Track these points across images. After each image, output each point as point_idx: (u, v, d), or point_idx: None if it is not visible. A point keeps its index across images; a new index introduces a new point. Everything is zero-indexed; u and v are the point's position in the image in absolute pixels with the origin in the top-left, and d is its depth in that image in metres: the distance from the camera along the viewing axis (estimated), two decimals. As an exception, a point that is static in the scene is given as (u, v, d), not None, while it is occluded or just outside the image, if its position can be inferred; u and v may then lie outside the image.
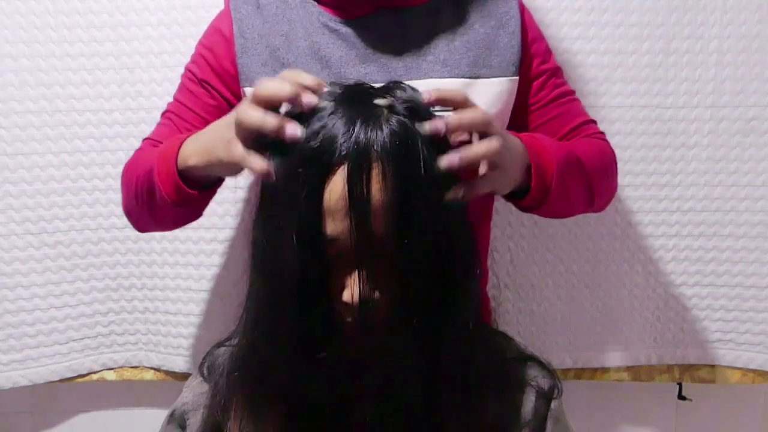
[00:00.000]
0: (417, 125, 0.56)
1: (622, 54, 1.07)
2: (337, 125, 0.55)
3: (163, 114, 0.87)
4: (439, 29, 0.81)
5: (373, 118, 0.55)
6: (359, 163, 0.53)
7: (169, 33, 1.07)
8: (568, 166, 0.73)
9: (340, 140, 0.54)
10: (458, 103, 0.60)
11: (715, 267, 1.13)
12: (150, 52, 1.07)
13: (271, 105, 0.58)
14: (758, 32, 1.07)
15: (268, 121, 0.56)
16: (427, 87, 0.60)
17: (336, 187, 0.54)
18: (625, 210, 1.12)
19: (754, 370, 1.15)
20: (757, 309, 1.13)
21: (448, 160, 0.56)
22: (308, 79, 0.58)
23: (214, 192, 0.75)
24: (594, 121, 0.89)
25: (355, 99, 0.57)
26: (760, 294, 1.12)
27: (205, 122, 0.81)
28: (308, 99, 0.56)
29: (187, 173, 0.69)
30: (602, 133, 0.88)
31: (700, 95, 1.09)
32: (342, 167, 0.54)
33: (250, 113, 0.58)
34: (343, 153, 0.54)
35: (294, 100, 0.57)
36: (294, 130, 0.55)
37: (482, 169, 0.62)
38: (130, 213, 0.81)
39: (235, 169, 0.64)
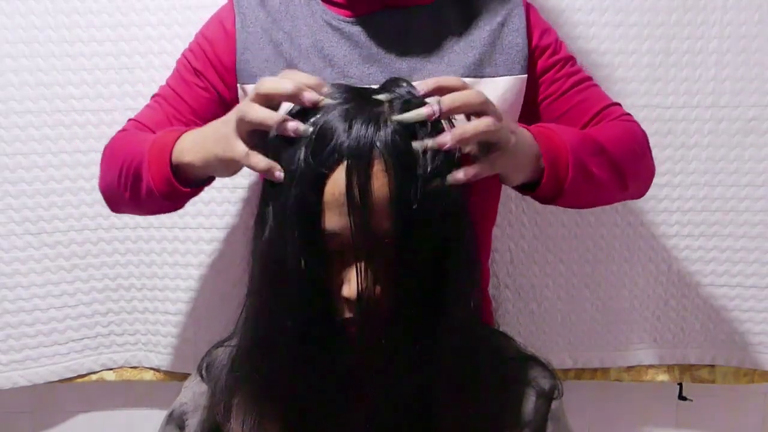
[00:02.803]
0: (405, 115, 0.56)
1: (622, 54, 1.07)
2: (338, 123, 0.55)
3: (153, 96, 0.86)
4: (443, 29, 0.80)
5: (373, 115, 0.55)
6: (360, 159, 0.54)
7: (169, 33, 1.07)
8: (585, 151, 0.70)
9: (342, 137, 0.54)
10: (456, 89, 0.59)
11: (715, 267, 1.13)
12: (150, 52, 1.07)
13: (271, 103, 0.58)
14: (758, 32, 1.07)
15: (270, 117, 0.57)
16: None
17: (337, 182, 0.54)
18: (625, 210, 1.12)
19: (754, 370, 1.15)
20: (757, 309, 1.13)
21: (439, 141, 0.56)
22: (309, 79, 0.58)
23: (202, 189, 0.75)
24: (618, 104, 0.85)
25: (355, 98, 0.58)
26: (760, 294, 1.12)
27: (194, 112, 0.82)
28: (310, 96, 0.57)
29: (180, 169, 0.68)
30: (629, 114, 0.84)
31: (700, 95, 1.08)
32: (343, 164, 0.54)
33: (253, 109, 0.58)
34: (344, 150, 0.54)
35: (295, 97, 0.57)
36: (296, 126, 0.56)
37: (473, 149, 0.61)
38: (108, 193, 0.80)
39: (231, 167, 0.63)
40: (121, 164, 0.74)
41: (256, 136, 0.59)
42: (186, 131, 0.70)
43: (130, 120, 0.84)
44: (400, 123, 0.56)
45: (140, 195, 0.72)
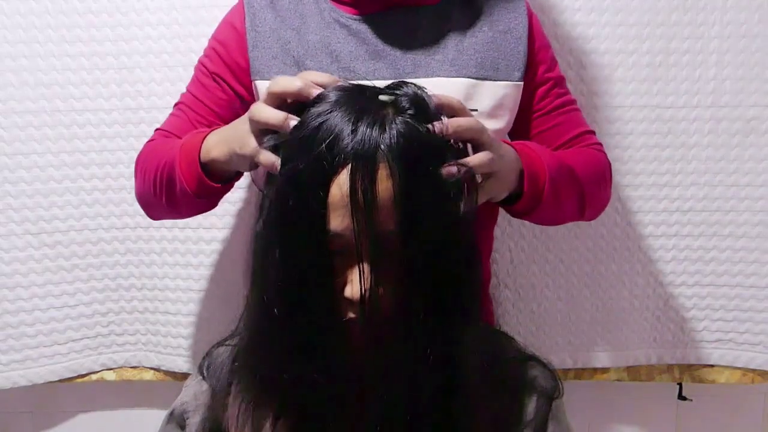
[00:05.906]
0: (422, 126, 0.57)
1: (622, 54, 1.08)
2: (342, 124, 0.55)
3: (175, 104, 0.88)
4: (448, 29, 0.82)
5: (379, 118, 0.55)
6: (365, 161, 0.54)
7: (169, 33, 1.07)
8: (560, 174, 0.74)
9: (346, 139, 0.54)
10: (456, 111, 0.62)
11: (715, 267, 1.13)
12: (150, 52, 1.07)
13: (284, 101, 0.61)
14: (758, 32, 1.07)
15: (275, 116, 0.60)
16: (434, 85, 0.62)
17: (342, 184, 0.54)
18: (625, 210, 1.12)
19: (754, 370, 1.15)
20: (757, 309, 1.13)
21: (448, 171, 0.57)
22: (322, 77, 0.60)
23: (232, 185, 0.79)
24: (593, 132, 0.90)
25: (360, 98, 0.58)
26: (760, 294, 1.12)
27: (216, 115, 0.84)
28: (317, 93, 0.59)
29: (209, 166, 0.72)
30: (600, 144, 0.89)
31: (700, 95, 1.09)
32: (348, 165, 0.54)
33: (261, 109, 0.61)
34: (349, 152, 0.54)
35: (301, 95, 0.59)
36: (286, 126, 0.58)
37: (478, 179, 0.64)
38: (144, 201, 0.83)
39: (249, 162, 0.66)
40: (155, 171, 0.77)
41: (269, 134, 0.62)
42: (212, 131, 0.73)
43: (156, 130, 0.87)
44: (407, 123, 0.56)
45: (175, 197, 0.76)
